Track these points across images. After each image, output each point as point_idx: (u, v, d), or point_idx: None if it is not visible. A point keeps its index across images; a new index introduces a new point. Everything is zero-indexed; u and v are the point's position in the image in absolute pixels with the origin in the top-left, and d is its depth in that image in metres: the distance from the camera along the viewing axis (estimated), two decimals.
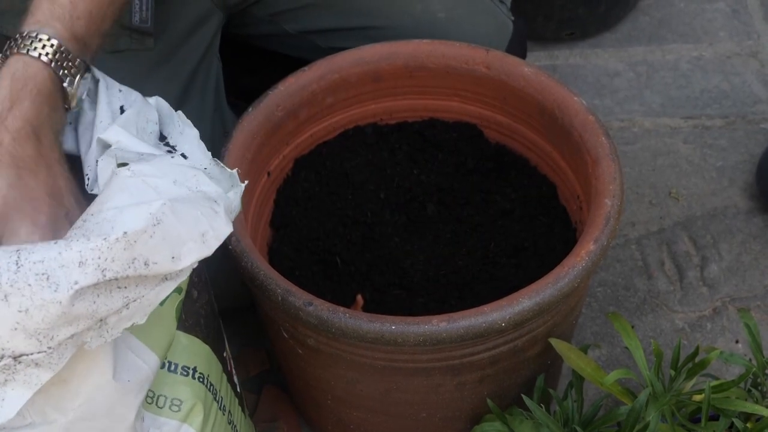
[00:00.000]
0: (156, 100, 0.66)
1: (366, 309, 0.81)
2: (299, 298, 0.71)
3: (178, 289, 0.59)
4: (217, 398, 0.68)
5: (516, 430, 0.80)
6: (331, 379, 0.81)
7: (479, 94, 0.92)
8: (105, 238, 0.46)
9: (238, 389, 0.78)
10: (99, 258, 0.46)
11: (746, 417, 0.80)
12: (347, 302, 0.82)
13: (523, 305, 0.70)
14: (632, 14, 1.47)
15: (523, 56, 1.01)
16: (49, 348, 0.46)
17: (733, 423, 0.77)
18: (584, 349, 0.82)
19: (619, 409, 0.77)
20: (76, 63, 0.63)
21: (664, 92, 1.35)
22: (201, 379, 0.66)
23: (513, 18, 1.00)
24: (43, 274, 0.45)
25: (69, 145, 0.65)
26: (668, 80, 1.37)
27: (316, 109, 0.92)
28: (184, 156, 0.60)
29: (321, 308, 0.70)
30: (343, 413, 0.87)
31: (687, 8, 1.48)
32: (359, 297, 0.82)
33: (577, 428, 0.78)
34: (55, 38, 0.62)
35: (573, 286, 0.72)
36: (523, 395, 0.79)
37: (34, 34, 0.62)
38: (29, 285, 0.45)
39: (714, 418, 0.78)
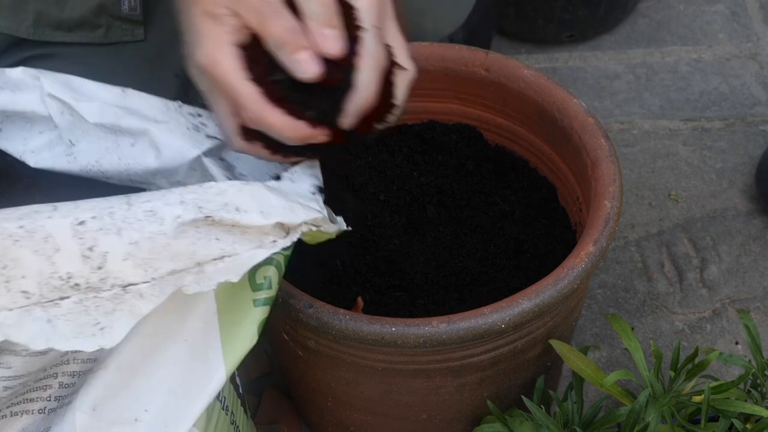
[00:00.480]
0: None
1: (366, 311, 0.81)
2: (300, 300, 0.72)
3: (270, 303, 0.62)
4: (220, 398, 0.68)
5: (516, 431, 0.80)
6: (331, 381, 0.81)
7: (479, 96, 0.93)
8: (200, 185, 0.53)
9: (240, 390, 0.78)
10: (197, 199, 0.52)
11: (746, 418, 0.80)
12: (348, 304, 0.83)
13: (523, 306, 0.70)
14: (631, 16, 1.47)
15: (490, 26, 1.00)
16: (153, 279, 0.51)
17: (732, 424, 0.77)
18: (584, 351, 0.82)
19: (619, 410, 0.78)
20: None
21: (664, 94, 1.36)
22: None
23: None
24: (150, 210, 0.51)
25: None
26: (667, 82, 1.37)
27: None
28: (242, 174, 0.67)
29: (321, 310, 0.71)
30: (344, 415, 0.87)
31: (686, 10, 1.48)
32: (359, 299, 0.83)
33: (577, 429, 0.78)
34: None
35: (572, 287, 0.72)
36: (523, 396, 0.79)
37: None
38: (139, 220, 0.51)
39: (714, 419, 0.78)
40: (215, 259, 0.53)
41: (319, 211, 0.57)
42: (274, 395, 1.02)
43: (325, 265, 0.86)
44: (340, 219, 0.61)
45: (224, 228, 0.53)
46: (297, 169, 0.62)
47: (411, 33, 0.90)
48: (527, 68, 0.89)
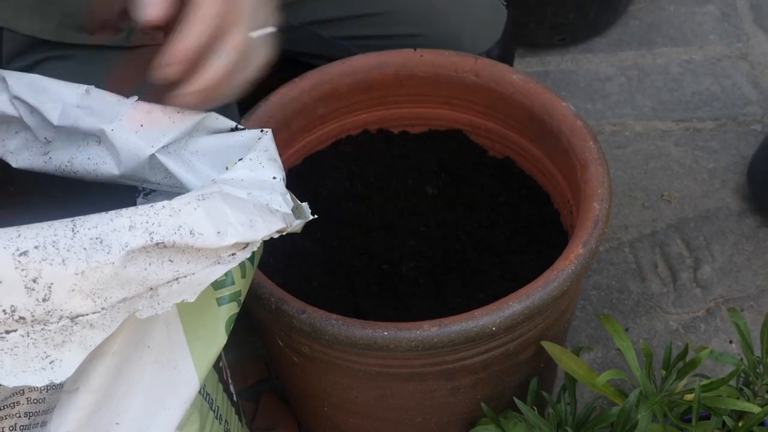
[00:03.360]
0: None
1: (360, 316, 0.82)
2: (292, 306, 0.72)
3: (237, 299, 0.61)
4: (213, 407, 0.69)
5: None
6: (326, 386, 0.82)
7: (469, 101, 0.93)
8: (152, 206, 0.51)
9: (235, 398, 0.79)
10: (147, 222, 0.50)
11: (739, 416, 0.81)
12: (341, 311, 0.83)
13: (513, 309, 0.71)
14: (623, 19, 1.48)
15: (515, 40, 1.02)
16: (103, 309, 0.49)
17: (724, 422, 0.77)
18: (577, 352, 0.83)
19: (611, 410, 0.78)
20: None
21: (656, 96, 1.36)
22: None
23: (506, 3, 1.02)
24: (96, 238, 0.49)
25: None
26: (659, 84, 1.38)
27: (308, 120, 0.93)
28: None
29: (314, 316, 0.72)
30: (340, 420, 0.87)
31: (677, 12, 1.49)
32: None
33: (569, 430, 0.78)
34: None
35: (562, 289, 0.73)
36: (515, 398, 0.80)
37: None
38: (84, 249, 0.49)
39: (706, 417, 0.79)
40: (169, 282, 0.51)
41: (282, 220, 0.55)
42: (271, 400, 1.03)
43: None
44: (305, 206, 0.60)
45: (177, 249, 0.51)
46: (252, 155, 0.60)
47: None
48: (516, 73, 0.90)
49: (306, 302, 0.73)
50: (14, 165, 0.67)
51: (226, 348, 0.78)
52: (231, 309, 0.61)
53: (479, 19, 0.97)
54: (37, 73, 0.68)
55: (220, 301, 0.60)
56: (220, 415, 0.71)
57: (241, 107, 0.91)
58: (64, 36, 0.85)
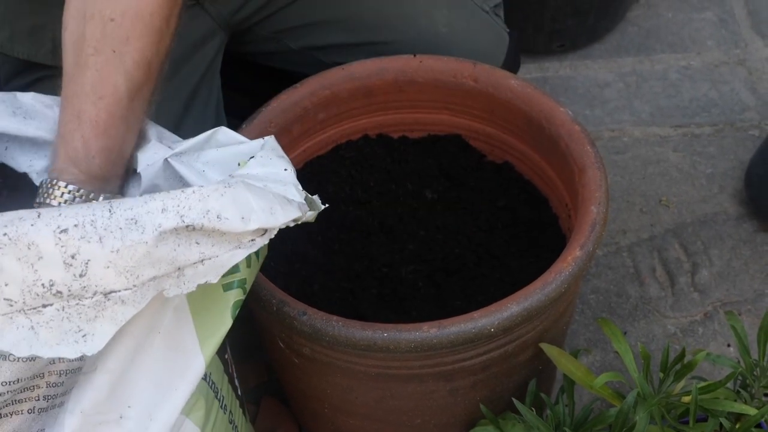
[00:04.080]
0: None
1: (360, 319, 0.83)
2: (293, 308, 0.73)
3: (242, 287, 0.63)
4: (218, 396, 0.70)
5: None
6: (327, 387, 0.82)
7: (468, 106, 0.94)
8: (183, 191, 0.53)
9: (239, 392, 0.79)
10: (178, 206, 0.53)
11: (736, 418, 0.81)
12: (342, 313, 0.84)
13: (512, 311, 0.72)
14: (621, 25, 1.49)
15: (517, 65, 1.03)
16: (134, 286, 0.52)
17: (722, 424, 0.78)
18: (575, 354, 0.83)
19: (609, 412, 0.79)
20: (99, 199, 0.65)
21: (654, 101, 1.37)
22: (204, 377, 0.68)
23: (508, 30, 1.03)
24: (132, 219, 0.52)
25: None
26: (657, 90, 1.39)
27: (308, 125, 0.94)
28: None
29: (315, 317, 0.72)
30: (341, 421, 0.88)
31: (675, 18, 1.50)
32: None
33: (567, 431, 0.79)
34: (72, 183, 0.64)
35: (560, 291, 0.73)
36: (514, 399, 0.80)
37: (53, 182, 0.65)
38: (120, 228, 0.51)
39: (703, 419, 0.80)
40: (195, 263, 0.54)
41: (298, 209, 0.58)
42: (272, 403, 1.04)
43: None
44: (315, 198, 0.62)
45: (204, 232, 0.53)
46: (262, 153, 0.63)
47: None
48: (514, 78, 0.91)
49: (307, 304, 0.74)
50: (36, 183, 0.70)
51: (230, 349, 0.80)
52: (237, 295, 0.63)
53: (479, 51, 0.98)
54: (33, 91, 0.70)
55: (226, 288, 0.62)
56: (225, 405, 0.72)
57: (243, 116, 0.92)
58: (57, 60, 0.87)
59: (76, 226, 0.51)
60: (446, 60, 0.93)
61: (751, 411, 0.76)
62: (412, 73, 0.94)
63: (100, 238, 0.51)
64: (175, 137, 0.70)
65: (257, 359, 1.08)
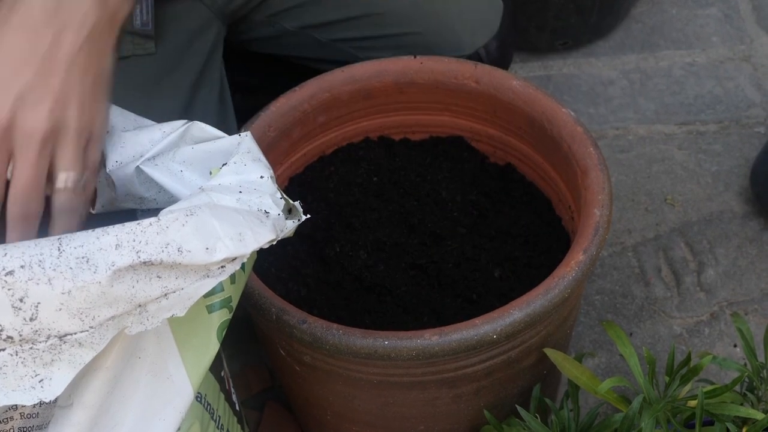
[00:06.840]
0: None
1: (361, 326, 0.82)
2: (293, 316, 0.72)
3: (228, 306, 0.61)
4: (214, 417, 0.69)
5: None
6: (329, 395, 0.82)
7: (469, 108, 0.93)
8: (139, 223, 0.50)
9: (238, 407, 0.79)
10: (133, 240, 0.49)
11: (743, 422, 0.80)
12: (342, 320, 0.83)
13: (514, 317, 0.71)
14: (624, 22, 1.48)
15: (513, 34, 1.02)
16: (91, 327, 0.49)
17: (728, 428, 0.77)
18: (579, 358, 0.82)
19: (614, 417, 0.78)
20: None
21: (658, 99, 1.36)
22: (198, 399, 0.67)
23: None
24: (83, 257, 0.49)
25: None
26: (662, 87, 1.38)
27: (308, 128, 0.93)
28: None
29: (315, 325, 0.72)
30: (344, 428, 0.87)
31: (679, 14, 1.49)
32: None
33: None
34: None
35: (563, 296, 0.73)
36: (517, 406, 0.80)
37: None
38: (71, 268, 0.48)
39: (710, 423, 0.79)
40: (158, 298, 0.51)
41: (272, 229, 0.54)
42: (275, 409, 1.03)
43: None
44: (298, 205, 0.58)
45: (165, 266, 0.50)
46: (235, 158, 0.59)
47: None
48: (516, 79, 0.90)
49: (307, 312, 0.73)
50: None
51: (231, 357, 0.79)
52: (222, 316, 0.60)
53: (476, 11, 0.97)
54: None
55: (210, 309, 0.60)
56: (222, 425, 0.71)
57: (241, 116, 0.91)
58: None
59: (22, 267, 0.48)
60: (447, 61, 0.92)
61: (759, 415, 0.75)
62: (412, 75, 0.93)
63: (49, 280, 0.48)
64: (142, 120, 0.67)
65: (263, 359, 1.08)
